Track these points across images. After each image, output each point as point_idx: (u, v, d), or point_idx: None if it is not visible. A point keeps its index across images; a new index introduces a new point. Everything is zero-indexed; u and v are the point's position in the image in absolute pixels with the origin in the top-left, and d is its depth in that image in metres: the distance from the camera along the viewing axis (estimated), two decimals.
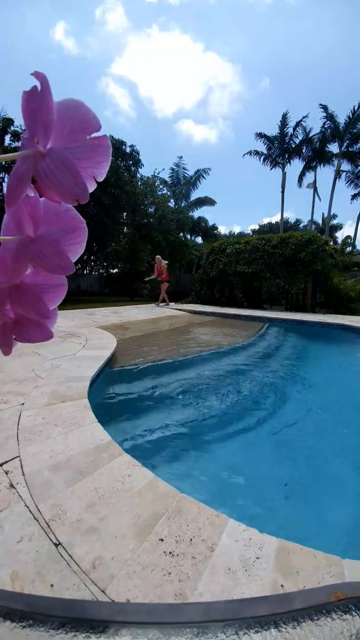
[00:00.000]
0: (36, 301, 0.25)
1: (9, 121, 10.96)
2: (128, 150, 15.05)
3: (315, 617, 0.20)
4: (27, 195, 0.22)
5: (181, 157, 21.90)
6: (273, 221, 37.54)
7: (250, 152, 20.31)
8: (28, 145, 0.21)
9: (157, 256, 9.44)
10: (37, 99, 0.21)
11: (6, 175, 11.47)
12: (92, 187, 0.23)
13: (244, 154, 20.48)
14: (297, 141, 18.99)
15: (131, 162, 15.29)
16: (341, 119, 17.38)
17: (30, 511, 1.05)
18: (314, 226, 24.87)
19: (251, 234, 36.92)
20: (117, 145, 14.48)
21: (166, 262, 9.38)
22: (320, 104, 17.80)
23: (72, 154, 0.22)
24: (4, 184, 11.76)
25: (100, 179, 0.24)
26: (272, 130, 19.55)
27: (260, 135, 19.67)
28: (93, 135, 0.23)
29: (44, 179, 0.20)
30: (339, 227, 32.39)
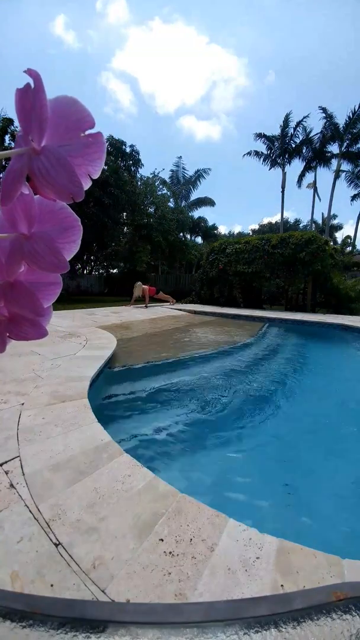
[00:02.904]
0: (30, 299, 0.24)
1: (9, 121, 10.95)
2: (128, 150, 15.06)
3: (315, 617, 0.20)
4: (21, 193, 0.22)
5: (180, 157, 21.93)
6: (273, 221, 37.51)
7: (250, 153, 20.32)
8: (22, 143, 0.21)
9: (137, 283, 9.73)
10: (30, 97, 0.20)
11: (1, 172, 11.48)
12: (87, 185, 0.23)
13: (244, 155, 20.51)
14: (298, 141, 19.00)
15: (131, 162, 15.31)
16: (346, 117, 17.34)
17: (30, 511, 1.05)
18: (314, 226, 24.84)
19: (251, 234, 36.93)
20: (117, 145, 14.48)
21: (145, 286, 9.75)
22: (320, 107, 17.82)
23: (67, 152, 0.21)
24: None
25: (95, 176, 0.24)
26: (276, 127, 19.50)
27: (260, 136, 19.66)
28: (87, 132, 0.22)
29: (39, 176, 0.20)
30: (339, 227, 32.34)
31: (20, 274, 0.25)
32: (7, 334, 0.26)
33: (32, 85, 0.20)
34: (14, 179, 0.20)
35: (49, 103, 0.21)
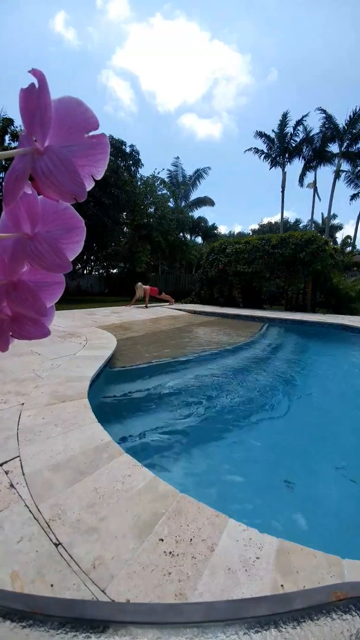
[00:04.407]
0: (33, 299, 0.24)
1: (9, 121, 10.95)
2: (128, 150, 15.04)
3: (315, 617, 0.20)
4: (24, 193, 0.22)
5: (178, 157, 21.89)
6: (273, 221, 37.49)
7: (250, 149, 20.32)
8: (26, 143, 0.21)
9: (138, 283, 9.76)
10: (34, 97, 0.20)
11: (3, 173, 11.46)
12: (90, 186, 0.23)
13: (245, 150, 20.52)
14: (298, 140, 19.00)
15: (131, 162, 15.29)
16: (346, 117, 17.30)
17: (30, 511, 1.05)
18: (314, 226, 24.82)
19: (251, 234, 36.91)
20: (117, 145, 14.46)
21: (146, 286, 9.81)
22: (318, 108, 17.83)
23: (70, 152, 0.21)
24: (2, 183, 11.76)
25: (99, 177, 0.24)
26: (277, 126, 19.44)
27: (260, 135, 19.66)
28: (92, 133, 0.22)
29: (42, 177, 0.20)
30: (339, 227, 32.25)
31: (24, 274, 0.25)
32: (10, 333, 0.26)
33: (37, 86, 0.20)
34: (17, 179, 0.20)
35: (53, 104, 0.21)
